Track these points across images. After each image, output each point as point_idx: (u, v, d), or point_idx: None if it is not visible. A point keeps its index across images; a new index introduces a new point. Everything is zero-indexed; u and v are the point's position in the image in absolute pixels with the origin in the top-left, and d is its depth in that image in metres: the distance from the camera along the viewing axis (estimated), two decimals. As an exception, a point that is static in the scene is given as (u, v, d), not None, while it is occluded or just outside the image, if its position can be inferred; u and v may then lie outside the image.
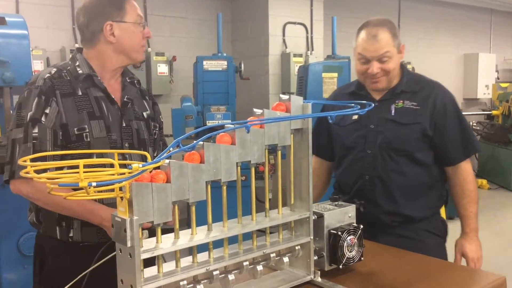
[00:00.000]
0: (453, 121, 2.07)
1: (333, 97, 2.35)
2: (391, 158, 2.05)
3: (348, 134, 2.15)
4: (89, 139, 1.71)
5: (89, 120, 1.72)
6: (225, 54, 4.94)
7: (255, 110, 1.42)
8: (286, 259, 1.51)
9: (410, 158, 2.05)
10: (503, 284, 1.60)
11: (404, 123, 2.04)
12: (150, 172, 1.16)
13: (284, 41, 5.99)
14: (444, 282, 1.59)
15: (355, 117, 2.12)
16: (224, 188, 1.35)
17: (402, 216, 2.06)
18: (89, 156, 1.70)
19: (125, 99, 1.85)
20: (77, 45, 5.08)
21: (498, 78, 9.74)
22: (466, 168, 2.10)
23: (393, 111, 2.07)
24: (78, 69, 1.79)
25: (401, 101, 2.08)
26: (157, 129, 1.98)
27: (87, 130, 1.72)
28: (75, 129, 1.70)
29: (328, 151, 2.30)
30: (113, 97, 1.81)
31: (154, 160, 1.07)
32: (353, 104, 1.52)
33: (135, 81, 1.94)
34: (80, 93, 1.75)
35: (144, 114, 1.93)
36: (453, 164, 2.09)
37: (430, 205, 2.12)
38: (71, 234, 1.73)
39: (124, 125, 1.81)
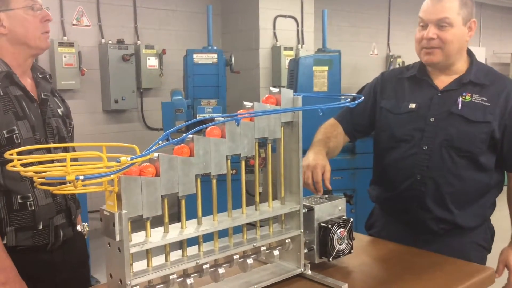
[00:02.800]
0: None
1: (382, 80, 2.04)
2: (451, 159, 1.81)
3: (401, 125, 1.90)
4: (19, 141, 1.61)
5: (16, 120, 1.61)
6: (215, 47, 4.91)
7: (245, 103, 1.41)
8: (276, 252, 1.51)
9: (472, 161, 1.81)
10: (492, 275, 1.62)
11: (472, 120, 1.79)
12: (139, 165, 1.15)
13: (274, 34, 5.97)
14: (434, 275, 1.59)
15: (413, 105, 1.88)
16: (214, 181, 1.35)
17: (452, 224, 1.85)
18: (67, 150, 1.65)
19: (42, 96, 1.73)
20: (65, 38, 5.02)
21: (487, 72, 9.79)
22: None
23: (460, 105, 1.81)
24: None
25: (469, 94, 1.82)
26: (71, 126, 1.87)
27: (16, 132, 1.61)
28: (5, 131, 1.59)
29: (357, 132, 2.07)
30: (32, 95, 1.69)
31: (143, 153, 1.06)
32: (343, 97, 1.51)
33: (47, 76, 1.82)
34: (1, 93, 1.62)
35: (59, 111, 1.81)
36: None
37: (483, 213, 1.90)
38: (4, 242, 1.61)
39: (46, 123, 1.70)
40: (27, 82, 1.73)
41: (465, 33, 1.82)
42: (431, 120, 1.85)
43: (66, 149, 1.77)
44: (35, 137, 1.65)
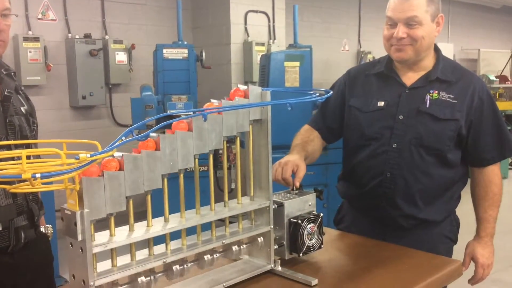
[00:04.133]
0: (490, 120, 1.85)
1: (349, 77, 2.03)
2: (420, 157, 1.82)
3: (370, 123, 1.89)
4: None
5: None
6: (185, 43, 4.85)
7: (212, 101, 1.39)
8: (245, 249, 1.49)
9: (440, 158, 1.83)
10: (459, 268, 1.63)
11: (441, 118, 1.80)
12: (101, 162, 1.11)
13: (246, 29, 5.94)
14: (402, 268, 1.60)
15: (381, 103, 1.88)
16: (181, 176, 1.31)
17: (420, 220, 1.87)
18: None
19: (5, 93, 1.67)
20: (30, 33, 4.88)
21: (455, 67, 9.99)
22: (494, 170, 1.91)
23: (428, 103, 1.82)
24: None
25: (436, 92, 1.83)
26: (35, 125, 1.80)
27: None
28: None
29: (333, 134, 2.07)
30: None
31: (105, 149, 1.02)
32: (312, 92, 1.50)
33: (12, 73, 1.76)
34: None
35: (22, 109, 1.74)
36: (483, 166, 1.90)
37: (449, 207, 1.94)
38: None
39: (8, 121, 1.64)
40: None
41: (434, 29, 1.82)
42: (399, 118, 1.84)
43: (28, 147, 1.70)
44: None
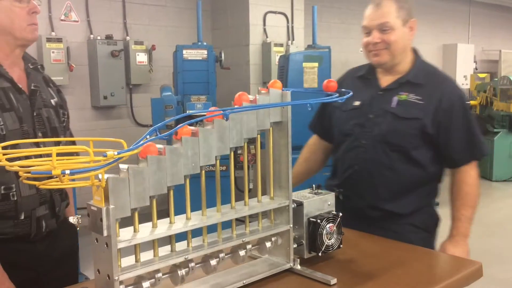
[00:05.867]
0: (460, 122, 1.94)
1: (343, 78, 2.21)
2: (384, 153, 1.95)
3: (346, 120, 2.06)
4: (4, 132, 1.61)
5: (2, 112, 1.62)
6: (205, 43, 4.89)
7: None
8: (265, 247, 1.51)
9: (404, 155, 1.94)
10: (479, 270, 1.63)
11: (402, 117, 1.93)
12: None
13: (264, 30, 5.96)
14: (422, 269, 1.60)
15: (357, 103, 2.03)
16: (203, 172, 1.33)
17: (386, 211, 1.98)
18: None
19: (32, 87, 1.74)
20: (53, 34, 4.98)
21: (476, 69, 9.88)
22: (468, 171, 1.98)
23: (394, 103, 1.96)
24: None
25: (405, 94, 1.95)
26: (65, 117, 1.87)
27: (2, 123, 1.62)
28: None
29: (328, 133, 2.22)
30: (20, 86, 1.70)
31: (131, 147, 1.05)
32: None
33: (39, 67, 1.83)
34: None
35: (52, 101, 1.82)
36: (455, 166, 2.00)
37: (419, 201, 2.01)
38: None
39: (35, 114, 1.71)
40: (17, 73, 1.73)
41: (407, 33, 1.96)
42: (370, 116, 2.00)
43: (56, 142, 1.75)
44: (22, 128, 1.65)
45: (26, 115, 1.68)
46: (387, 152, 1.95)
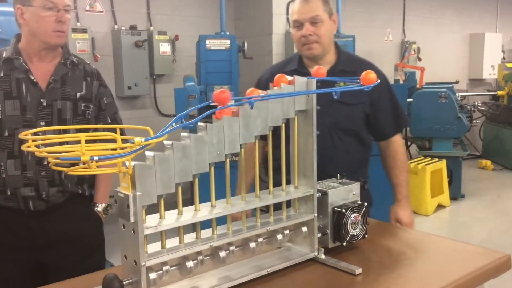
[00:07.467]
0: (387, 98, 2.18)
1: (270, 74, 2.21)
2: (340, 138, 2.10)
3: None
4: (0, 117, 1.87)
5: (4, 99, 1.87)
6: (228, 33, 4.89)
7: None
8: (289, 237, 1.51)
9: (356, 137, 2.14)
10: (507, 261, 1.60)
11: (350, 104, 2.08)
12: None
13: (287, 19, 5.92)
14: (448, 260, 1.58)
15: None
16: (227, 161, 1.33)
17: None
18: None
19: (50, 80, 1.94)
20: (78, 24, 5.04)
21: (504, 58, 9.64)
22: (397, 141, 2.23)
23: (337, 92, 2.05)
24: (4, 51, 1.94)
25: (342, 82, 2.03)
26: (90, 109, 2.02)
27: (0, 109, 1.87)
28: None
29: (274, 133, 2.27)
30: (33, 78, 1.91)
31: (157, 134, 1.06)
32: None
33: (68, 62, 2.00)
34: (2, 74, 1.90)
35: (78, 94, 1.99)
36: (385, 138, 2.22)
37: (366, 173, 2.22)
38: None
39: (45, 104, 1.91)
40: (43, 67, 1.95)
41: (332, 25, 2.11)
42: (318, 108, 2.03)
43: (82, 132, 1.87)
44: (25, 115, 1.89)
45: (32, 104, 1.90)
46: (342, 138, 2.11)
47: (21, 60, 1.91)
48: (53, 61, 1.98)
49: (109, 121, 2.11)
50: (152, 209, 1.21)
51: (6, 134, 1.88)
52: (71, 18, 1.97)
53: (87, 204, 2.11)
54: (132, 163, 1.11)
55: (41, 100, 1.91)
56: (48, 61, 1.97)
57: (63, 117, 1.94)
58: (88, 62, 2.13)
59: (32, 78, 1.91)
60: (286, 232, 1.51)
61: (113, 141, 1.00)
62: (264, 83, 2.17)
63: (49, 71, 1.95)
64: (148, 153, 1.16)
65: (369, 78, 1.57)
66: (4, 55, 1.93)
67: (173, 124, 1.14)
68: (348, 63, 2.15)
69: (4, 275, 1.94)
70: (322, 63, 2.13)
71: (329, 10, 2.10)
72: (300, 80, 1.46)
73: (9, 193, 1.91)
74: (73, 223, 2.02)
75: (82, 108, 1.99)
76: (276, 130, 1.44)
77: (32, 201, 1.92)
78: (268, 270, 1.43)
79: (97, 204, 2.12)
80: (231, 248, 1.37)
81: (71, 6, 1.96)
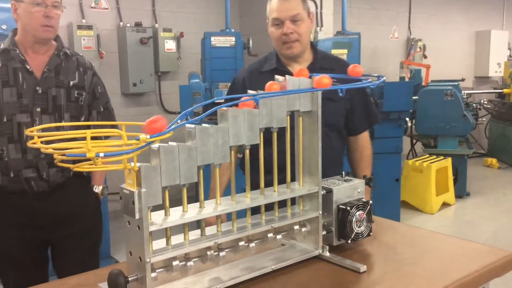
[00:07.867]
0: (360, 96, 2.21)
1: (247, 74, 2.22)
2: (326, 134, 2.05)
3: None
4: None
5: (2, 87, 2.00)
6: (233, 30, 4.88)
7: (277, 77, 1.44)
8: (294, 234, 1.50)
9: (338, 132, 2.18)
10: (512, 260, 1.59)
11: (335, 100, 2.05)
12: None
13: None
14: (452, 258, 1.58)
15: None
16: (232, 153, 1.33)
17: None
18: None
19: (44, 70, 2.06)
20: (84, 21, 5.05)
21: (510, 56, 9.58)
22: (365, 136, 2.28)
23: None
24: (2, 44, 2.07)
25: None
26: (82, 96, 2.14)
27: None
28: None
29: None
30: (28, 67, 2.04)
31: (163, 131, 1.06)
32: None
33: (61, 53, 2.13)
34: (0, 64, 2.03)
35: (71, 82, 2.11)
36: (358, 134, 2.26)
37: (341, 167, 2.22)
38: None
39: (40, 92, 2.04)
40: (38, 58, 2.07)
41: (310, 24, 2.10)
42: None
43: (89, 126, 2.07)
44: (21, 102, 2.01)
45: (27, 92, 2.02)
46: (328, 133, 2.08)
47: (17, 51, 2.04)
48: (47, 53, 2.10)
49: (102, 109, 2.24)
50: (156, 206, 1.22)
51: (5, 119, 2.01)
52: (61, 13, 2.07)
53: (85, 185, 2.24)
54: (138, 164, 1.11)
55: (37, 88, 2.04)
56: (42, 53, 2.09)
57: (57, 103, 2.07)
58: (81, 54, 2.25)
59: (28, 67, 2.04)
60: (291, 229, 1.51)
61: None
62: (241, 83, 2.16)
63: (44, 62, 2.08)
64: (154, 146, 1.16)
65: (356, 71, 1.57)
66: (1, 47, 2.06)
67: (178, 121, 1.14)
68: (325, 61, 2.17)
69: (12, 251, 2.08)
70: (300, 61, 2.13)
71: (307, 8, 2.09)
72: (304, 81, 1.46)
73: (12, 175, 2.03)
74: (75, 203, 2.15)
75: (75, 95, 2.12)
76: (266, 131, 1.43)
77: (34, 182, 2.04)
78: (273, 267, 1.43)
79: (95, 186, 2.26)
80: (240, 243, 1.38)
81: (60, 2, 2.06)
